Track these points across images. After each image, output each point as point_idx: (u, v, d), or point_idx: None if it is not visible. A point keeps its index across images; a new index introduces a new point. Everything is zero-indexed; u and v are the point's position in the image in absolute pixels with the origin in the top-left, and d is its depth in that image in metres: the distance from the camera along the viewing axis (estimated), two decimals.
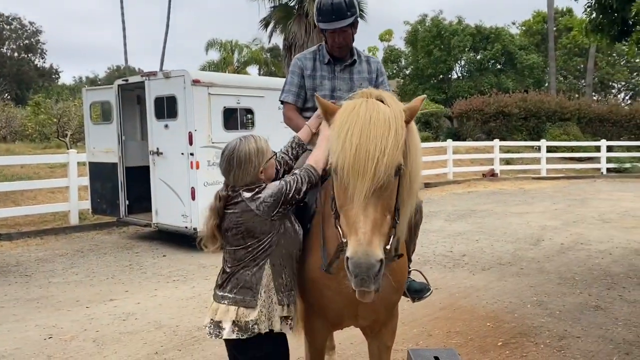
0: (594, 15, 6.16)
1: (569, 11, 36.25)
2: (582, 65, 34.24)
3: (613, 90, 37.70)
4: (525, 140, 23.48)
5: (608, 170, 21.61)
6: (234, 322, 2.50)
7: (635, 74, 37.39)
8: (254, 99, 9.27)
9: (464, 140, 23.81)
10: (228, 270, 2.59)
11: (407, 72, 37.29)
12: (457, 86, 33.80)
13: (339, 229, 2.14)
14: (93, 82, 53.87)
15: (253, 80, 10.04)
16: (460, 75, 36.06)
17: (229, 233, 2.54)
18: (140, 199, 9.87)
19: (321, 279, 2.56)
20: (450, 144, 18.92)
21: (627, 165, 21.80)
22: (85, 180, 10.78)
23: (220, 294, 2.60)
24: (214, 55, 36.12)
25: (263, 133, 9.22)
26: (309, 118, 3.28)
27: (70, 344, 4.88)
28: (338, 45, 3.26)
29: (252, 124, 9.33)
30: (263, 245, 2.50)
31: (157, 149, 9.05)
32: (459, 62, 35.37)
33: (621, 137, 25.15)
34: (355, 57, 3.40)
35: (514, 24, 38.33)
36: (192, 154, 8.50)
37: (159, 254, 8.63)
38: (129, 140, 10.14)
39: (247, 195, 2.47)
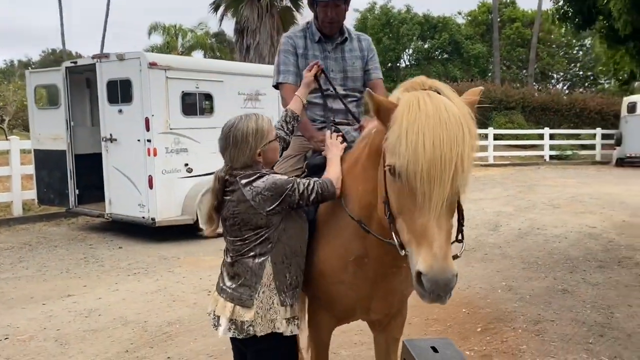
0: (561, 3, 6.26)
1: (513, 3, 37.30)
2: (524, 56, 35.32)
3: (552, 81, 39.17)
4: None
5: (551, 157, 22.47)
6: (230, 319, 2.33)
7: (572, 64, 38.95)
8: (214, 84, 8.94)
9: None
10: (229, 260, 2.43)
11: None
12: (406, 74, 34.11)
13: (395, 235, 1.91)
14: (27, 66, 51.02)
15: (212, 64, 9.69)
16: (408, 63, 36.45)
17: (227, 222, 2.37)
18: (91, 188, 9.40)
19: (334, 273, 2.41)
20: None
21: (569, 152, 22.76)
22: (29, 169, 10.15)
23: (221, 285, 2.44)
24: (157, 40, 35.01)
25: (223, 119, 8.98)
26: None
27: (30, 344, 4.52)
28: (330, 20, 3.04)
29: (211, 109, 9.00)
30: (261, 239, 2.31)
31: (111, 135, 8.59)
32: (407, 50, 35.72)
33: (562, 126, 26.16)
34: (346, 35, 3.18)
35: (460, 13, 38.99)
36: (149, 141, 8.11)
37: (115, 246, 8.22)
38: (78, 126, 9.60)
39: (243, 182, 2.28)
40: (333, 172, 2.46)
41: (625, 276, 6.35)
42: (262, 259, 2.31)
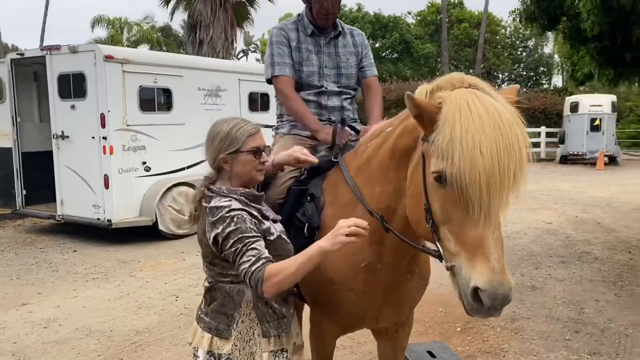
0: (528, 3, 6.34)
1: (460, 3, 38.17)
2: (471, 56, 36.22)
3: (498, 80, 40.36)
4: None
5: None
6: (208, 351, 2.08)
7: (516, 65, 40.30)
8: (173, 78, 8.59)
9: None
10: (207, 283, 2.16)
11: None
12: None
13: (439, 246, 1.75)
14: None
15: (171, 57, 9.32)
16: None
17: (201, 243, 2.11)
18: (40, 188, 8.89)
19: (344, 280, 2.25)
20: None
21: None
22: None
23: (199, 312, 2.17)
24: (101, 33, 33.81)
25: (182, 115, 8.68)
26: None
27: None
28: (325, 11, 2.84)
29: (170, 105, 8.64)
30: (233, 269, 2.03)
31: (62, 132, 8.10)
32: None
33: None
34: (340, 29, 3.01)
35: (410, 13, 39.56)
36: (104, 138, 7.70)
37: (68, 249, 7.77)
38: (24, 122, 9.03)
39: (210, 219, 2.00)
40: (291, 265, 1.92)
41: (587, 271, 6.51)
42: (240, 285, 2.06)
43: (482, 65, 35.31)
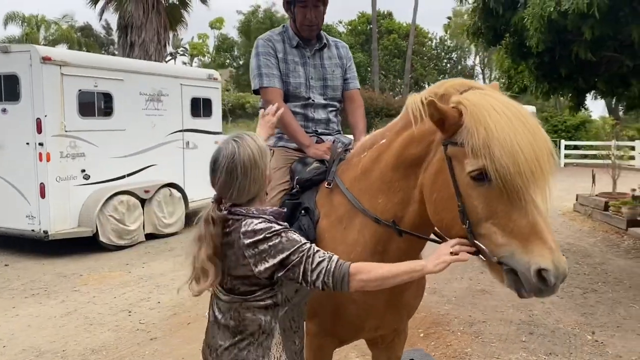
0: (475, 19, 6.62)
1: (390, 15, 39.25)
2: (400, 66, 37.34)
3: (424, 90, 41.81)
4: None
5: None
6: None
7: (442, 76, 41.93)
8: (114, 82, 8.23)
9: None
10: (222, 321, 1.95)
11: (241, 62, 36.92)
12: None
13: (480, 244, 1.77)
14: None
15: (113, 60, 8.92)
16: None
17: (225, 277, 1.91)
18: None
19: (346, 293, 2.22)
20: None
21: None
22: None
23: (214, 343, 1.97)
24: (15, 31, 32.02)
25: (123, 120, 8.37)
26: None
27: None
28: (309, 22, 2.83)
29: (111, 110, 8.26)
30: (266, 301, 1.91)
31: None
32: None
33: None
34: (325, 41, 3.00)
35: (340, 22, 40.23)
36: (41, 144, 7.24)
37: None
38: None
39: (246, 242, 1.83)
40: (385, 269, 1.84)
41: None
42: (270, 328, 1.93)
43: (410, 76, 36.48)
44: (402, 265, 1.85)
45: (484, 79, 44.43)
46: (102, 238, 7.77)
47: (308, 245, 1.84)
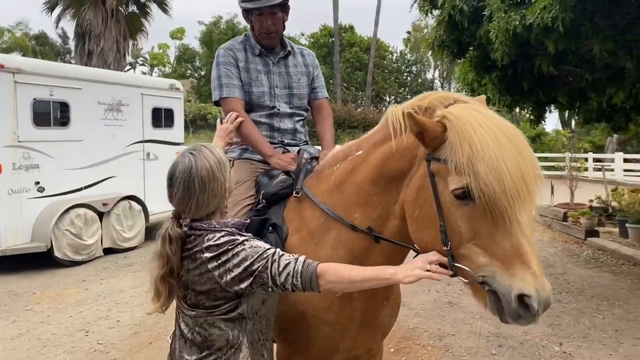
0: (440, 32, 6.68)
1: (351, 28, 39.62)
2: (362, 79, 37.69)
3: (385, 103, 42.34)
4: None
5: None
6: None
7: (402, 88, 42.57)
8: (70, 91, 7.92)
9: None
10: (189, 336, 1.88)
11: (203, 73, 36.52)
12: None
13: (461, 265, 1.70)
14: None
15: (69, 69, 8.57)
16: None
17: (188, 293, 1.86)
18: None
19: (317, 313, 2.11)
20: None
21: None
22: None
23: None
24: None
25: (80, 131, 8.07)
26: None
27: None
28: (267, 30, 2.73)
29: (68, 120, 7.94)
30: (231, 316, 1.86)
31: None
32: None
33: None
34: (289, 49, 2.91)
35: (303, 35, 40.36)
36: None
37: None
38: None
39: (207, 255, 1.79)
40: (353, 271, 1.81)
41: None
42: (237, 342, 1.88)
43: (371, 88, 36.85)
44: (371, 270, 1.80)
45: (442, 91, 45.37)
46: (57, 253, 7.42)
47: (272, 250, 1.81)
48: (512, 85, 7.37)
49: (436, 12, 6.77)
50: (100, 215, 8.17)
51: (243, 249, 1.78)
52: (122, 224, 8.52)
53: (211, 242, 1.79)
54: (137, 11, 19.11)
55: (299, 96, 2.91)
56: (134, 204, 8.84)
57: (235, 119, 2.59)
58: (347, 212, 2.09)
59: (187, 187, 1.84)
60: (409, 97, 30.58)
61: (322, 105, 3.05)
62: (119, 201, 8.48)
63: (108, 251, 8.33)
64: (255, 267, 1.76)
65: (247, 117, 2.70)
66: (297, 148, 2.78)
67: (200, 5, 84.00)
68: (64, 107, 7.88)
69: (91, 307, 5.79)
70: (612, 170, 21.37)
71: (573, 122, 31.73)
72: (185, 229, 1.86)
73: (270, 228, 2.27)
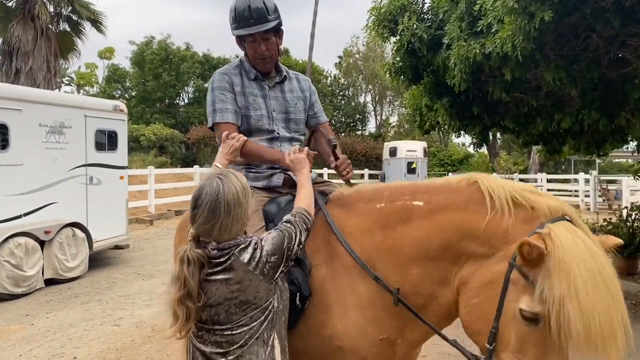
0: (398, 58, 6.86)
1: (287, 51, 39.93)
2: None
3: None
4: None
5: None
6: None
7: (337, 111, 43.24)
8: (9, 112, 7.44)
9: (202, 166, 23.75)
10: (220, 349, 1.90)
11: (133, 93, 35.48)
12: (186, 112, 33.61)
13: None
14: None
15: (8, 88, 8.00)
16: (188, 101, 36.03)
17: (221, 309, 1.88)
18: None
19: (356, 350, 2.07)
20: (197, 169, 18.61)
21: None
22: None
23: None
24: None
25: (20, 154, 7.64)
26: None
27: None
28: (260, 56, 2.72)
29: (7, 143, 7.44)
30: (268, 315, 1.93)
31: None
32: (187, 88, 35.34)
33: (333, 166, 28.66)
34: (285, 74, 2.91)
35: (237, 57, 40.20)
36: None
37: None
38: None
39: (245, 257, 1.89)
40: (304, 198, 2.20)
41: None
42: (271, 343, 1.94)
43: None
44: (304, 191, 2.24)
45: (375, 115, 46.43)
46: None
47: (282, 232, 2.00)
48: (461, 111, 7.65)
49: (393, 39, 6.95)
50: (42, 244, 7.66)
51: (263, 239, 1.96)
52: (65, 252, 8.01)
53: (243, 253, 1.90)
54: (69, 29, 18.33)
55: (295, 121, 2.89)
56: (77, 231, 8.35)
57: (239, 139, 2.53)
58: (400, 263, 2.04)
59: (212, 210, 1.87)
60: (343, 120, 31.04)
61: (326, 128, 3.02)
62: (61, 228, 7.99)
63: (49, 282, 7.80)
64: (286, 245, 1.95)
65: (245, 137, 2.61)
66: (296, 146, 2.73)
67: (129, 25, 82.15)
68: (2, 129, 7.38)
69: (42, 345, 5.37)
70: (541, 190, 22.62)
71: (497, 144, 33.43)
72: (213, 252, 1.89)
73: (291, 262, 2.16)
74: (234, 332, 1.88)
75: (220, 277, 1.87)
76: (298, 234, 2.02)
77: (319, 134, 2.99)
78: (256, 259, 1.89)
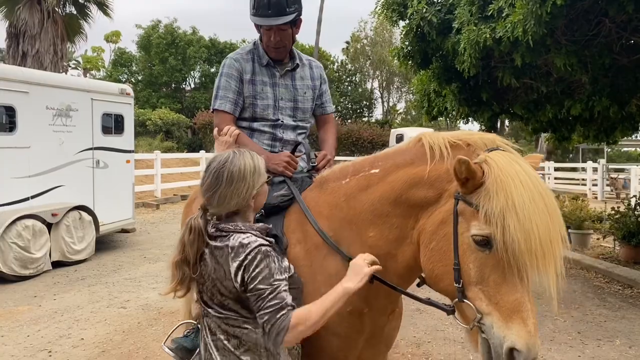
0: (407, 42, 6.79)
1: None
2: None
3: None
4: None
5: None
6: None
7: (343, 98, 43.04)
8: (17, 95, 7.44)
9: (208, 151, 23.78)
10: (222, 338, 1.92)
11: (140, 77, 35.44)
12: (192, 97, 33.56)
13: (471, 303, 1.76)
14: None
15: (15, 71, 7.98)
16: (194, 86, 35.96)
17: (205, 285, 1.91)
18: None
19: (329, 326, 2.04)
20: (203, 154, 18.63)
21: None
22: None
23: None
24: None
25: (27, 137, 7.63)
26: (243, 129, 2.78)
27: None
28: (274, 45, 2.75)
29: (14, 125, 7.45)
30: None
31: None
32: (193, 72, 35.26)
33: (340, 153, 28.60)
34: (298, 61, 2.90)
35: (244, 41, 39.98)
36: None
37: None
38: None
39: (236, 260, 1.81)
40: (316, 310, 1.82)
41: None
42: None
43: None
44: (328, 300, 1.84)
45: (382, 102, 46.20)
46: (3, 268, 6.91)
47: (277, 282, 1.81)
48: (470, 97, 7.59)
49: (402, 23, 6.88)
50: (49, 226, 7.70)
51: (262, 262, 1.80)
52: (72, 235, 8.05)
53: (233, 243, 1.83)
54: (76, 12, 18.25)
55: (303, 110, 2.91)
56: (84, 214, 8.38)
57: (232, 134, 2.55)
58: (359, 229, 2.10)
59: (216, 176, 1.91)
60: (350, 106, 31.04)
61: (329, 120, 3.09)
62: (68, 211, 8.02)
63: (56, 264, 7.85)
64: (256, 286, 1.78)
65: (239, 130, 2.66)
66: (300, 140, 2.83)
67: (136, 8, 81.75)
68: (10, 111, 7.39)
69: (49, 325, 5.41)
70: (549, 178, 22.55)
71: (504, 132, 33.20)
72: (212, 230, 1.90)
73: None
74: (224, 317, 1.92)
75: (208, 254, 1.89)
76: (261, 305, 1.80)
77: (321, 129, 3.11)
78: (239, 263, 1.82)
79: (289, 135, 2.84)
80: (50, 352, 4.73)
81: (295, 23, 2.76)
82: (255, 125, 2.79)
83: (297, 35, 2.91)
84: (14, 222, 7.08)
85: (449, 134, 1.99)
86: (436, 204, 1.89)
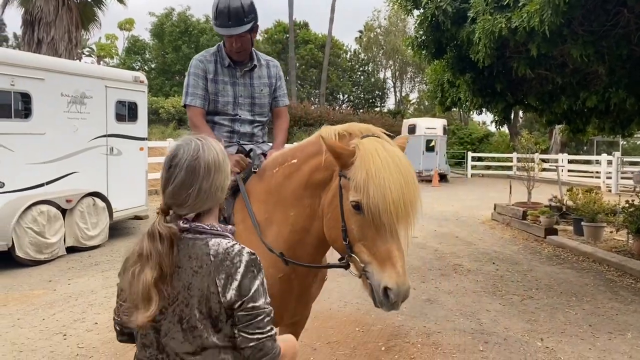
0: (421, 31, 6.74)
1: (306, 25, 39.54)
2: (315, 76, 37.69)
3: (338, 101, 42.52)
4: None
5: None
6: None
7: (355, 87, 42.90)
8: (32, 82, 7.51)
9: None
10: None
11: (153, 65, 35.53)
12: None
13: (355, 256, 2.21)
14: None
15: (31, 58, 8.05)
16: None
17: (177, 302, 1.58)
18: None
19: (272, 283, 2.26)
20: None
21: None
22: None
23: None
24: None
25: (43, 123, 7.70)
26: (209, 123, 3.16)
27: None
28: (236, 50, 3.13)
29: (30, 112, 7.53)
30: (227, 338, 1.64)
31: None
32: None
33: None
34: (256, 62, 3.25)
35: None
36: None
37: None
38: None
39: (221, 277, 1.55)
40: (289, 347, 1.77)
41: (467, 283, 7.04)
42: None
43: (326, 86, 36.92)
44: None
45: (395, 92, 45.93)
46: (19, 253, 7.03)
47: (266, 302, 1.62)
48: (484, 87, 7.53)
49: (416, 12, 6.83)
50: (64, 212, 7.79)
51: (256, 276, 1.59)
52: (86, 221, 8.16)
53: (219, 249, 1.59)
54: (90, 0, 18.32)
55: (259, 105, 3.28)
56: (98, 200, 8.48)
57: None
58: (285, 210, 2.53)
59: (191, 170, 1.60)
60: (362, 96, 31.15)
61: (281, 113, 3.44)
62: (82, 197, 8.12)
63: (70, 250, 7.96)
64: (249, 304, 1.56)
65: (204, 124, 3.10)
66: (251, 146, 3.17)
67: None
68: (25, 98, 7.47)
69: (64, 309, 5.50)
70: (562, 171, 22.33)
71: (518, 123, 32.94)
72: (185, 225, 1.61)
73: (222, 217, 2.58)
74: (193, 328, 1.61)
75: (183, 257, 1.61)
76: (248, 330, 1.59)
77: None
78: (223, 269, 1.57)
79: (246, 129, 3.22)
80: (65, 335, 4.82)
81: (253, 29, 3.12)
82: (217, 118, 3.16)
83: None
84: (29, 207, 7.18)
85: (340, 126, 2.40)
86: (331, 183, 2.34)
